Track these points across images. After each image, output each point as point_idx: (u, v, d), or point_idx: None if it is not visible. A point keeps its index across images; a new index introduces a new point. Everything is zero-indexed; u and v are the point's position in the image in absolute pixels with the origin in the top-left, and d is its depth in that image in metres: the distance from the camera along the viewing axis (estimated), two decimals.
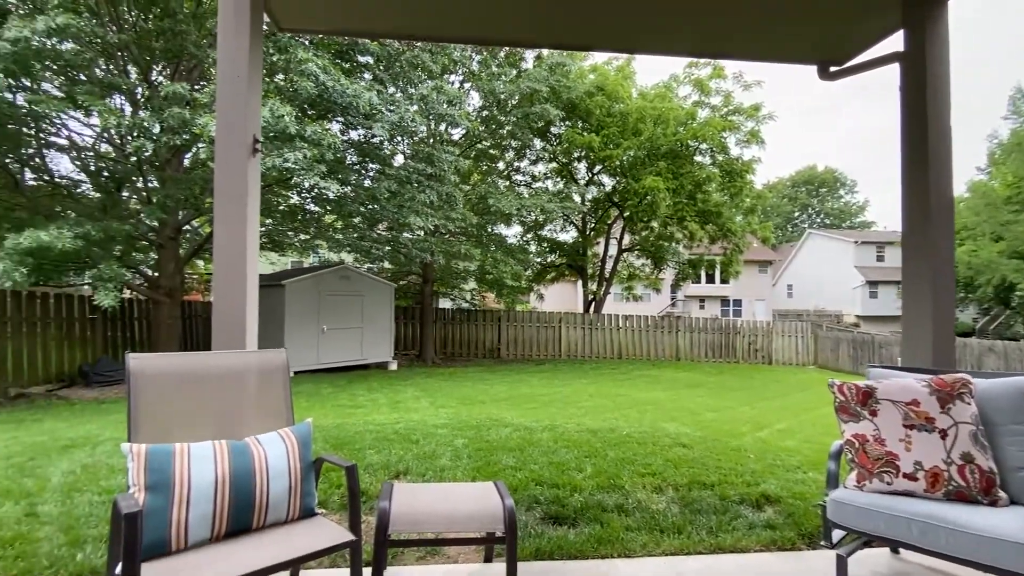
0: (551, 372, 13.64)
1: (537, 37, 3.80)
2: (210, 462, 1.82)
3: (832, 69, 3.49)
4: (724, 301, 37.27)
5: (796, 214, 57.65)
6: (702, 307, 36.88)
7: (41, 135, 9.28)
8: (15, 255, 6.26)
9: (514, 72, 13.97)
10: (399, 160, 12.22)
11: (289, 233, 12.20)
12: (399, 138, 10.33)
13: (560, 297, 32.30)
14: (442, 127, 11.69)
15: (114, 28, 8.38)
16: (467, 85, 13.85)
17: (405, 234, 11.98)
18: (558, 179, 18.71)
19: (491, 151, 16.39)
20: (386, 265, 15.77)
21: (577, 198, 16.40)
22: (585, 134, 16.33)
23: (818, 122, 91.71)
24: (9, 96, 7.43)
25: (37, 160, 9.81)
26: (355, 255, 13.39)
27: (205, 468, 1.80)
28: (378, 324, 13.45)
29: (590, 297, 20.04)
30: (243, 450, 1.92)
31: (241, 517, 1.82)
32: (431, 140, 11.93)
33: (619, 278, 21.17)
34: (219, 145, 2.37)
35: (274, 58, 8.01)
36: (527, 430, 4.89)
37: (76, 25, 6.79)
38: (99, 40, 7.83)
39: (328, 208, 12.39)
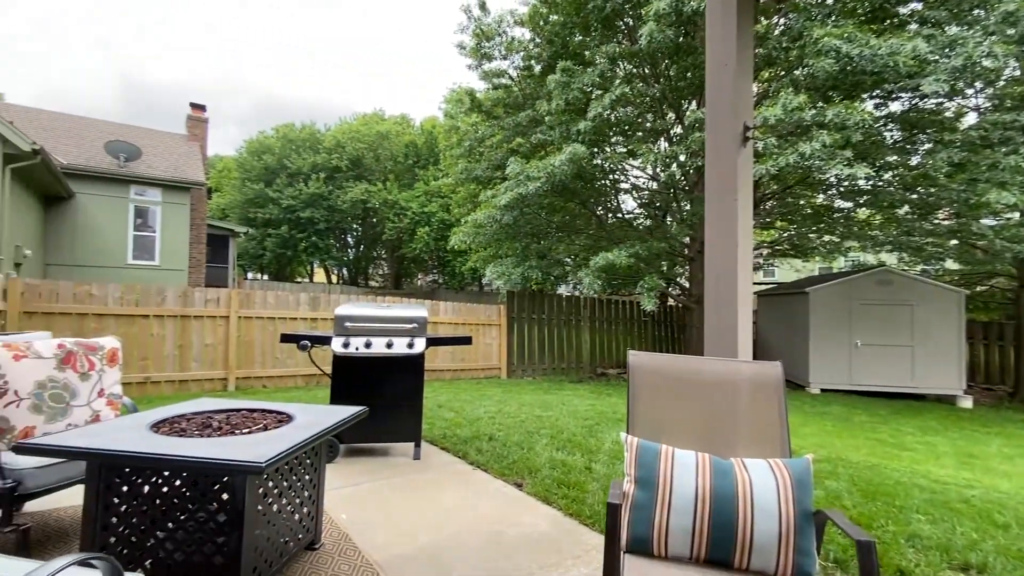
0: None
1: None
2: (692, 472, 1.73)
3: None
4: None
5: None
6: None
7: (614, 184, 12.59)
8: (594, 271, 8.64)
9: None
10: (970, 119, 8.84)
11: (811, 236, 11.17)
12: (966, 89, 7.45)
13: None
14: None
15: (655, 83, 10.27)
16: None
17: (983, 220, 8.50)
18: None
19: None
20: (949, 265, 11.81)
21: None
22: None
23: None
24: (597, 161, 10.47)
25: (612, 203, 13.34)
26: (900, 255, 10.72)
27: (687, 477, 1.72)
28: (937, 343, 10.23)
29: None
30: (726, 471, 1.72)
31: (721, 546, 1.62)
32: None
33: None
34: (709, 136, 2.31)
35: (791, 54, 7.53)
36: None
37: (629, 92, 8.75)
38: (647, 98, 9.82)
39: (860, 201, 10.51)
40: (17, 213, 10.21)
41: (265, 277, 35.93)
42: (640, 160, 9.17)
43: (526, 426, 5.04)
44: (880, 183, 8.83)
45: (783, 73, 8.55)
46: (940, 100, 8.11)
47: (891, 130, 9.28)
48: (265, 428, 2.15)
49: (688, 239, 11.77)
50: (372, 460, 3.88)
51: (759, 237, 14.58)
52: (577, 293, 13.85)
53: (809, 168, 6.47)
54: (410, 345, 3.87)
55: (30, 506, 2.77)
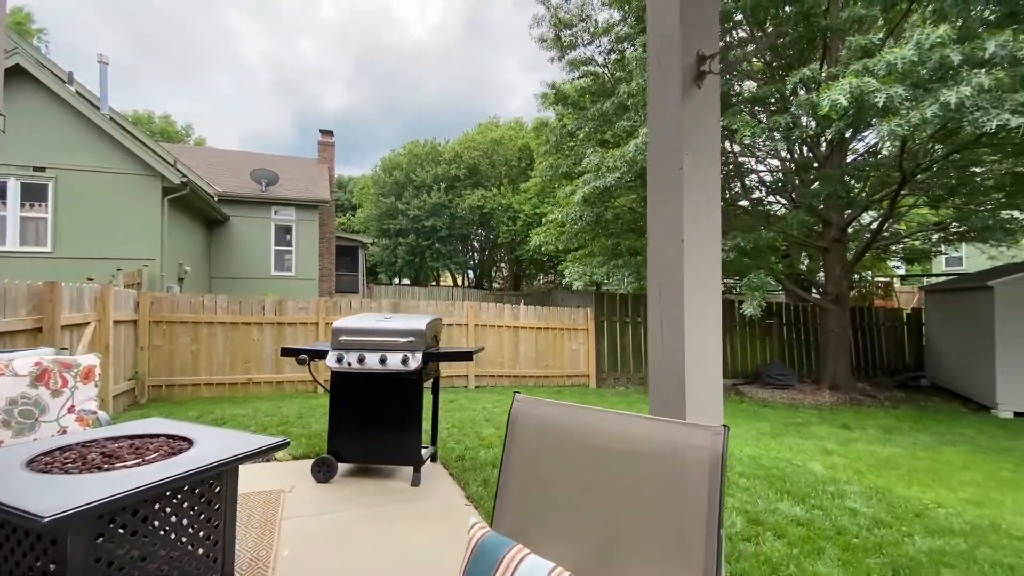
0: None
1: None
2: None
3: None
4: None
5: None
6: None
7: (736, 168, 11.04)
8: None
9: None
10: None
11: (983, 212, 8.57)
12: None
13: None
14: None
15: (757, 42, 8.71)
16: None
17: None
18: None
19: None
20: None
21: None
22: None
23: None
24: None
25: (734, 188, 11.73)
26: None
27: None
28: None
29: None
30: None
31: None
32: None
33: None
34: (650, 74, 1.59)
35: None
36: None
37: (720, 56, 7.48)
38: (748, 61, 8.38)
39: None
40: (178, 235, 12.23)
41: (406, 282, 39.09)
42: (737, 135, 7.79)
43: None
44: None
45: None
46: None
47: None
48: (141, 463, 1.97)
49: (821, 225, 9.84)
50: (369, 483, 3.65)
51: (920, 215, 11.68)
52: None
53: (960, 122, 4.76)
54: (404, 361, 3.55)
55: None
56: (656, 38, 1.56)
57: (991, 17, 5.85)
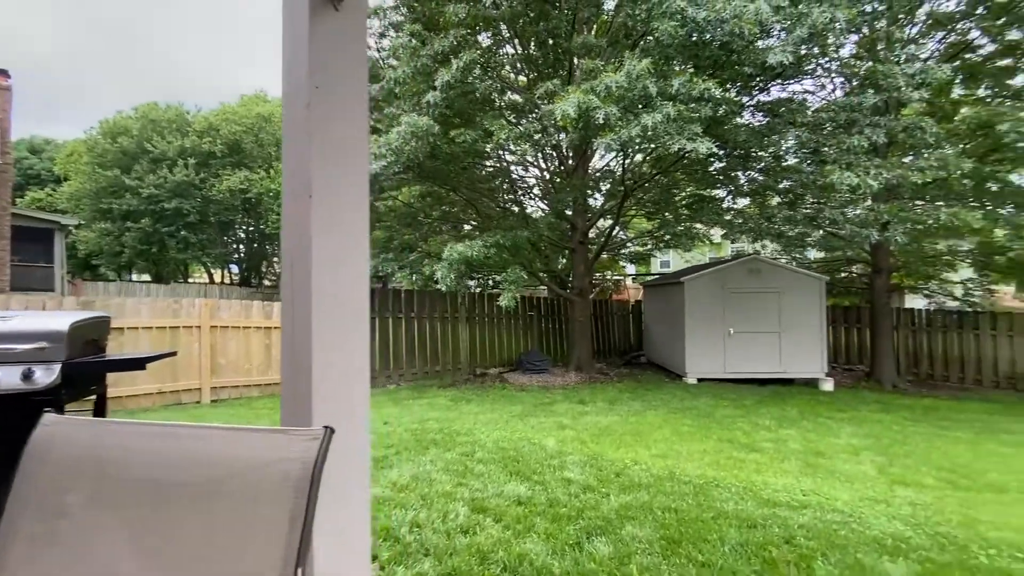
0: None
1: None
2: None
3: None
4: None
5: None
6: None
7: (504, 169, 11.64)
8: (449, 265, 7.61)
9: None
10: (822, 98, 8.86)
11: (678, 225, 10.92)
12: (819, 69, 7.28)
13: None
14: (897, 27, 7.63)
15: (519, 51, 9.39)
16: None
17: (846, 208, 8.51)
18: None
19: (998, 58, 10.00)
20: (812, 254, 12.19)
21: None
22: None
23: None
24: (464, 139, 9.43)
25: (506, 190, 12.40)
26: (762, 243, 10.77)
27: None
28: (802, 328, 10.37)
29: None
30: None
31: None
32: (872, 51, 8.03)
33: None
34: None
35: (639, 15, 6.89)
36: None
37: (480, 59, 7.76)
38: (504, 67, 8.94)
39: (732, 189, 10.37)
40: None
41: (146, 278, 31.56)
42: (494, 138, 8.23)
43: None
44: (729, 162, 8.61)
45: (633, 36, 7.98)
46: (803, 92, 7.94)
47: (759, 120, 9.16)
48: None
49: (570, 228, 11.15)
50: None
51: (642, 224, 14.36)
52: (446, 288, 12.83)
53: (655, 143, 5.85)
54: (28, 376, 2.52)
55: None
56: None
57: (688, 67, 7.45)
